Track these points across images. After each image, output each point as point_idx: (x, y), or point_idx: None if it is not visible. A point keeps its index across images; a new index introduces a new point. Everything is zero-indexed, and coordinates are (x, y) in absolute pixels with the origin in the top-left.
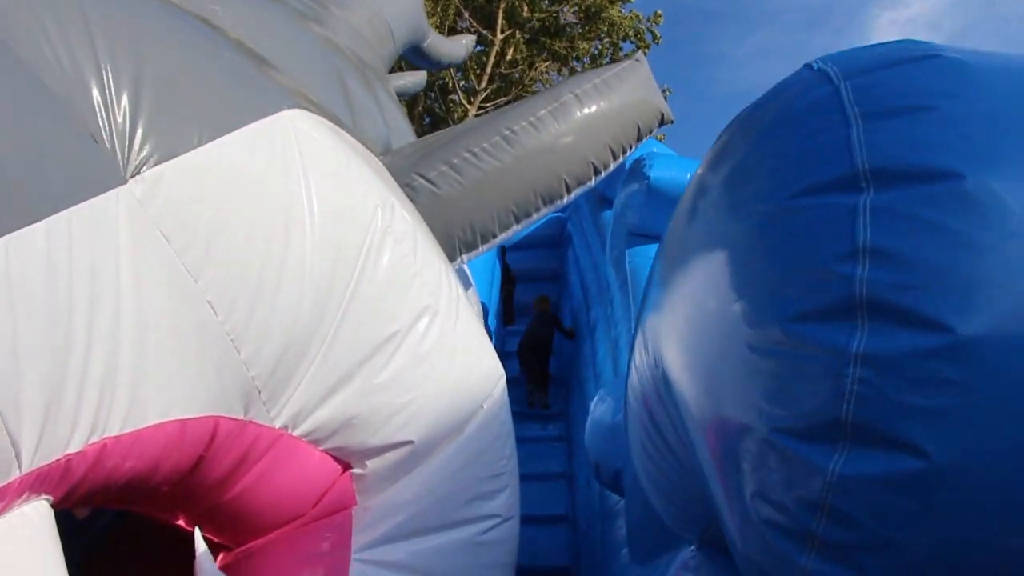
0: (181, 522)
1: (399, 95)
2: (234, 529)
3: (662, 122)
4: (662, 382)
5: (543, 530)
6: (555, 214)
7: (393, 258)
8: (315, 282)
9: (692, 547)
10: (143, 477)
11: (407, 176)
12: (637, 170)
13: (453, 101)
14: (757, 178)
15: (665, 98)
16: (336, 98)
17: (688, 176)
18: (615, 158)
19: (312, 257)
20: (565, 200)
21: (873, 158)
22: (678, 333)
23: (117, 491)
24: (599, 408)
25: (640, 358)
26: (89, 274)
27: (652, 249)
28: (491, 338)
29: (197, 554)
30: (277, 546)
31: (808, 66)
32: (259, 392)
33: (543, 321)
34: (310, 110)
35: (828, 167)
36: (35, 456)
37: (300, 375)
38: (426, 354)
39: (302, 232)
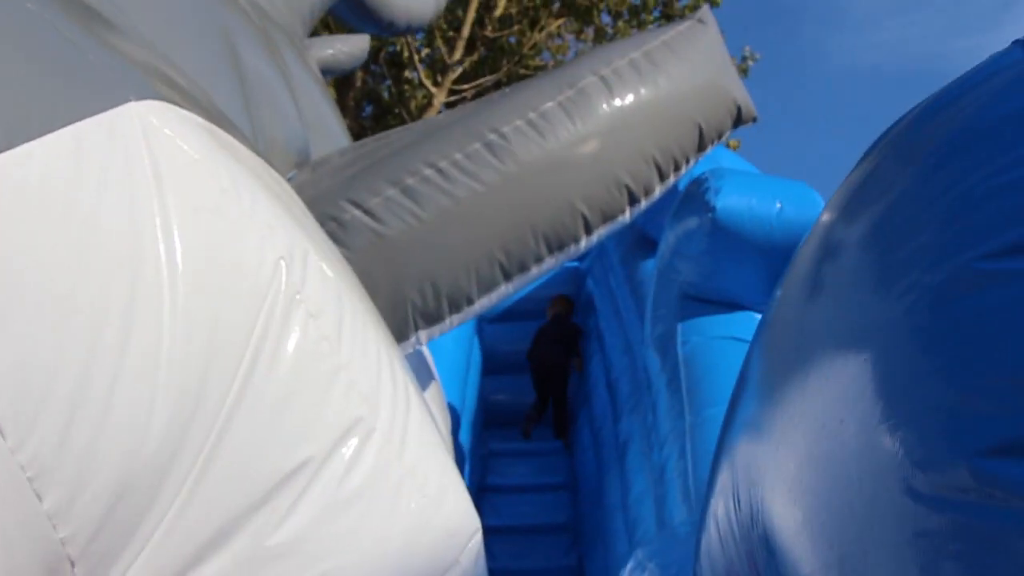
0: None
1: (326, 72)
2: None
3: (739, 120)
4: (762, 550)
5: None
6: (569, 265)
7: (304, 344)
8: (174, 385)
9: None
10: None
11: (334, 205)
12: (696, 196)
13: (410, 81)
14: (927, 229)
15: (746, 72)
16: (220, 76)
17: (777, 207)
18: (662, 178)
19: (170, 346)
20: (583, 245)
21: None
22: (792, 475)
23: None
24: None
25: (724, 509)
26: None
27: (720, 322)
28: (465, 464)
29: None
30: None
31: (1021, 43)
32: (72, 565)
33: (558, 335)
34: (173, 100)
35: None
36: None
37: (143, 536)
38: (353, 498)
39: (154, 304)
